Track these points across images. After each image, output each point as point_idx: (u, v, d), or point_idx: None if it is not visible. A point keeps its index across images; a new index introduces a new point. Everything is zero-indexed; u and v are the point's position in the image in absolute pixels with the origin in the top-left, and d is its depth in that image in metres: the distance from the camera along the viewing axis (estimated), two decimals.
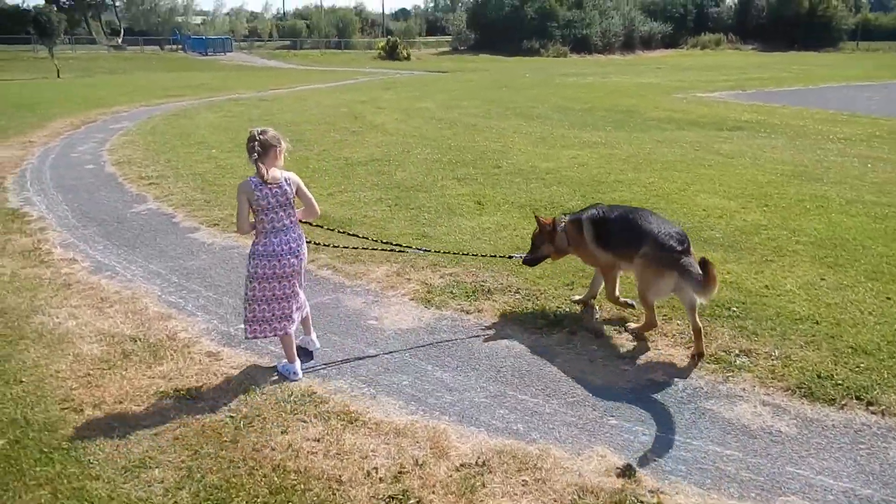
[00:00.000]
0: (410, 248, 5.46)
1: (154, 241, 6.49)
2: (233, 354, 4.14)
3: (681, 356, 4.05)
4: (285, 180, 3.74)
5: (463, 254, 5.63)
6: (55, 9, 49.90)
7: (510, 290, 5.04)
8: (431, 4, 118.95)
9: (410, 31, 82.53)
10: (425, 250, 5.42)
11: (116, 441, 3.19)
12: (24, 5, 62.82)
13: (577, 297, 4.84)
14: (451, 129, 13.69)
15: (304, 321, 4.13)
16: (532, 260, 4.86)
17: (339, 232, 5.50)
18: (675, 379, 3.81)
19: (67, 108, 19.05)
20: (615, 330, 4.41)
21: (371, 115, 16.33)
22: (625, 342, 4.26)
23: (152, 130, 14.43)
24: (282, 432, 3.30)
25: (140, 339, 4.30)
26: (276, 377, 3.83)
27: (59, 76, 36.54)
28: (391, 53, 62.85)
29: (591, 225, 4.43)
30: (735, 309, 4.60)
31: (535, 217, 4.79)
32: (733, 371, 3.85)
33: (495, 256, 5.47)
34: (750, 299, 4.75)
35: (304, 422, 3.39)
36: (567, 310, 4.69)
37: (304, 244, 3.91)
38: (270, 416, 3.44)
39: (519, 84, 27.04)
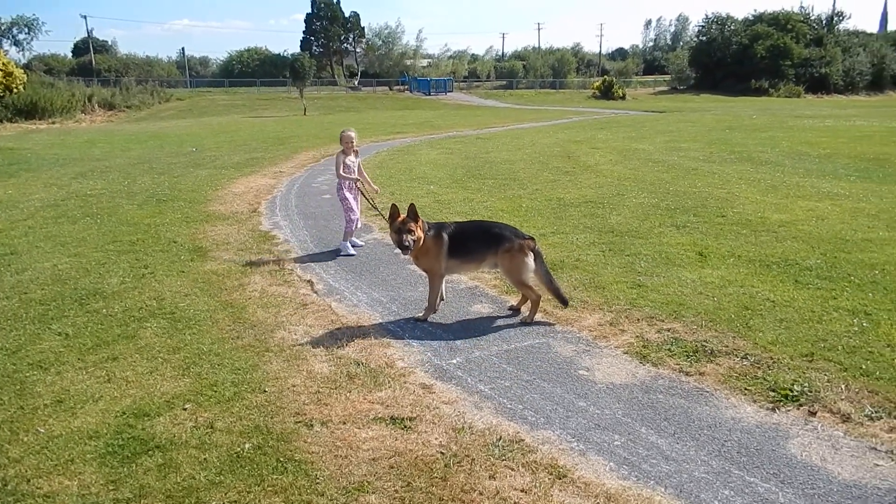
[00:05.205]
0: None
1: (377, 270, 6.98)
2: (445, 389, 4.26)
3: None
4: (356, 154, 7.77)
5: None
6: (308, 56, 56.98)
7: (736, 354, 4.60)
8: (651, 44, 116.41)
9: (627, 71, 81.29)
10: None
11: (340, 461, 3.41)
12: (284, 53, 72.44)
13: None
14: (669, 173, 13.11)
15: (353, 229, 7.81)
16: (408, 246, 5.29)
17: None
18: None
19: (311, 142, 21.51)
20: (865, 415, 3.82)
21: (585, 156, 16.22)
22: (879, 431, 3.66)
23: (379, 165, 15.69)
24: (489, 477, 3.29)
25: (363, 364, 4.59)
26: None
27: (305, 114, 41.69)
28: (606, 93, 62.67)
29: (448, 239, 5.29)
30: None
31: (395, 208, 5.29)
32: None
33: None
34: None
35: (512, 469, 3.36)
36: (805, 385, 4.15)
37: (357, 186, 7.81)
38: (479, 458, 3.46)
39: (745, 126, 25.23)
